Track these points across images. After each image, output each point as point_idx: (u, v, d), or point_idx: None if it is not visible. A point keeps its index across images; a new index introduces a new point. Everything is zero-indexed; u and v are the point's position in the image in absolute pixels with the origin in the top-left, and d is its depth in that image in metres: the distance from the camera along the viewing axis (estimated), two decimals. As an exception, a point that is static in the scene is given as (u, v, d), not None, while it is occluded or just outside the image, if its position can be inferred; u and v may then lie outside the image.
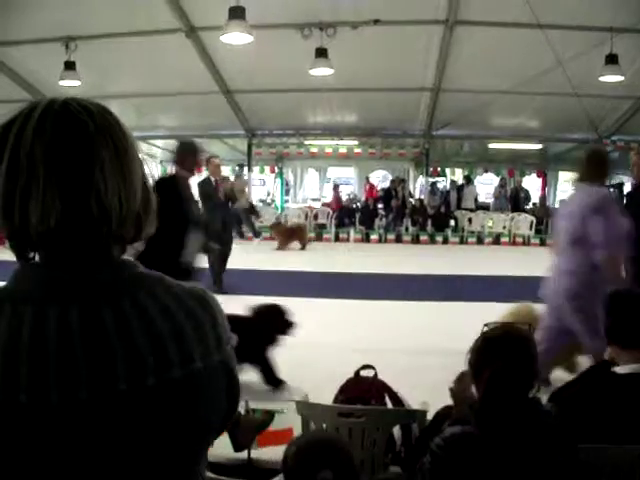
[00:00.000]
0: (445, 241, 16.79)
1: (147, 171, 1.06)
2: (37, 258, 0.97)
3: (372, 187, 21.37)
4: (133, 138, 1.00)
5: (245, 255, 12.64)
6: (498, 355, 1.98)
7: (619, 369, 2.29)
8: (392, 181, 20.52)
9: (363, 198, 20.33)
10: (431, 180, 19.98)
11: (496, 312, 6.14)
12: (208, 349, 0.99)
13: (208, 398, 1.00)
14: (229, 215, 9.02)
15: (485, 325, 2.12)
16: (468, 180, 19.78)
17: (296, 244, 14.90)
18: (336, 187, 20.85)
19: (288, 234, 14.87)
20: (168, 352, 0.93)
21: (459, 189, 19.79)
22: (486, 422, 1.92)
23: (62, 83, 12.84)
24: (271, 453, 3.34)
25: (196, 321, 0.99)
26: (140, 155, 1.03)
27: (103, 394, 0.88)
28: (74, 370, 0.87)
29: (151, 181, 1.05)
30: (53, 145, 0.91)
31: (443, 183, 21.72)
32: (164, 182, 5.41)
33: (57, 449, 0.86)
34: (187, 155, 5.28)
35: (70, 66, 12.81)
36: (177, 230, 4.83)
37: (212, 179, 8.76)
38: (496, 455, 1.85)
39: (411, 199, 18.71)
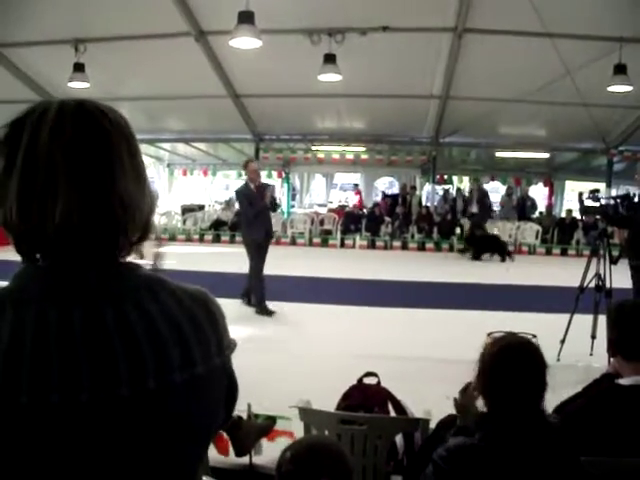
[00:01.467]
0: (451, 248, 16.74)
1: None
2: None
3: (360, 196, 21.46)
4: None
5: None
6: (508, 367, 1.95)
7: (623, 381, 2.28)
8: (402, 188, 20.55)
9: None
10: (445, 187, 19.98)
11: (500, 321, 6.12)
12: (209, 353, 0.98)
13: (208, 402, 0.99)
14: (270, 222, 8.66)
15: (488, 335, 2.08)
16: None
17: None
18: (386, 197, 20.86)
19: None
20: (170, 356, 0.93)
21: (465, 197, 19.72)
22: (492, 434, 1.90)
23: (71, 85, 12.90)
24: (273, 459, 3.33)
25: (198, 325, 0.98)
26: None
27: (104, 396, 0.87)
28: (76, 372, 0.86)
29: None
30: (73, 145, 0.91)
31: (452, 190, 21.71)
32: None
33: (57, 450, 0.86)
34: None
35: (79, 68, 12.86)
36: None
37: (251, 185, 8.25)
38: (500, 468, 1.83)
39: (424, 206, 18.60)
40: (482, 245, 15.07)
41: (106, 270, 0.95)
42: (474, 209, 18.54)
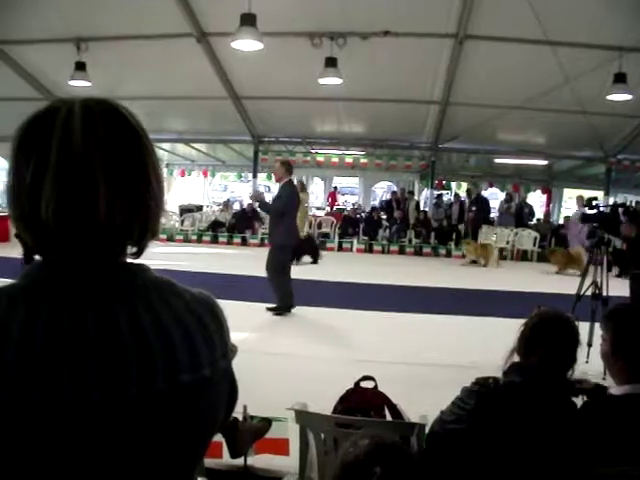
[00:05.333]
0: (448, 254, 16.74)
1: None
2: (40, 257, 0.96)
3: (334, 197, 21.35)
4: None
5: (235, 261, 12.65)
6: (551, 335, 2.30)
7: (614, 390, 2.27)
8: (393, 192, 20.55)
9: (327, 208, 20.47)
10: (436, 193, 19.96)
11: (494, 327, 6.12)
12: (215, 356, 1.00)
13: (212, 404, 1.01)
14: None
15: (537, 307, 2.40)
16: (470, 194, 19.79)
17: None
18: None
19: None
20: (179, 358, 0.94)
21: (462, 203, 19.75)
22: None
23: (72, 83, 12.91)
24: (267, 460, 3.34)
25: (205, 329, 1.00)
26: None
27: (115, 396, 0.89)
28: (87, 371, 0.87)
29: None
30: (108, 144, 0.92)
31: (448, 196, 21.69)
32: None
33: (67, 446, 0.87)
34: None
35: (81, 67, 12.87)
36: None
37: None
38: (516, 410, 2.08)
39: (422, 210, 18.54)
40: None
41: (121, 271, 0.96)
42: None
